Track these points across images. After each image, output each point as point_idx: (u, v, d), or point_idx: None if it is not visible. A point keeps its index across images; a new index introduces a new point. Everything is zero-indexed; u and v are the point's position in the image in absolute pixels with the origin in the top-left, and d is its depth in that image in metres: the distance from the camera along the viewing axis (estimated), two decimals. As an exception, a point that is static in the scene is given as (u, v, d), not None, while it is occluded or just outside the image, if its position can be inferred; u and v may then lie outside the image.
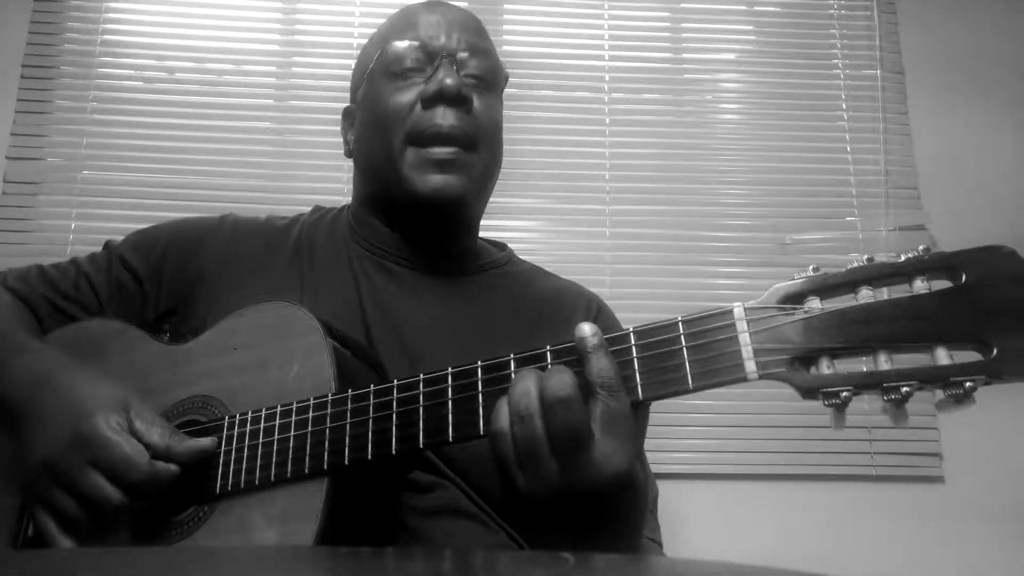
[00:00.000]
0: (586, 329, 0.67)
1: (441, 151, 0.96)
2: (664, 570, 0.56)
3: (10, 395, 0.86)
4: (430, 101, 0.97)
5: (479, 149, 1.00)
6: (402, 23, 1.04)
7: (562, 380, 0.65)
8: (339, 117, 1.14)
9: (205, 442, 0.80)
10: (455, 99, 0.97)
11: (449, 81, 0.96)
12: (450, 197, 0.98)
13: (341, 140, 1.13)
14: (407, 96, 0.99)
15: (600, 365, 0.66)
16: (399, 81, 1.00)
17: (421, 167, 0.97)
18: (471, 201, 1.02)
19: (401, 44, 1.01)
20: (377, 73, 1.03)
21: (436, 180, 0.96)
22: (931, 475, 1.95)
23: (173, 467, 0.78)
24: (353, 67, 1.12)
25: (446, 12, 1.05)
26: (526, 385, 0.66)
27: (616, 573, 0.49)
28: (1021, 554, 1.88)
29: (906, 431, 1.95)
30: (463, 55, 1.01)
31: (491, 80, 1.04)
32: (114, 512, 0.76)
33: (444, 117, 0.97)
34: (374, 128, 1.02)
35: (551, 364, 0.69)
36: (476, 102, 1.00)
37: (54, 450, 0.79)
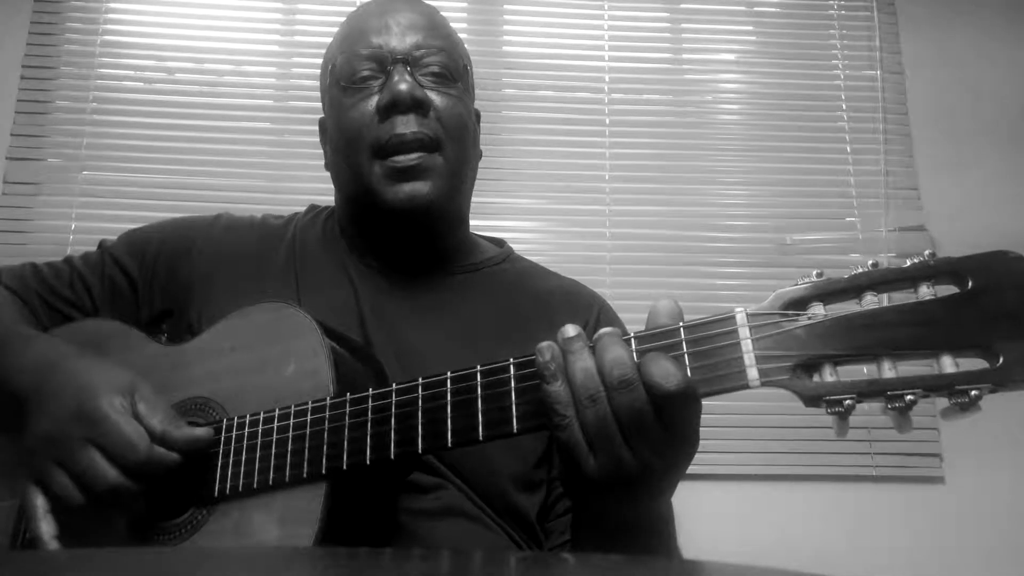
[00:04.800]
0: (570, 330, 0.67)
1: (405, 159, 0.94)
2: (664, 570, 0.56)
3: (18, 381, 0.86)
4: (385, 111, 0.95)
5: (444, 148, 0.97)
6: (352, 31, 1.02)
7: (619, 358, 0.63)
8: None
9: (201, 432, 0.79)
10: (410, 105, 0.94)
11: (402, 87, 0.94)
12: (421, 203, 0.95)
13: None
14: (364, 108, 0.96)
15: (616, 354, 0.64)
16: (355, 93, 0.97)
17: (388, 178, 0.95)
18: (445, 201, 0.99)
19: (352, 54, 0.98)
20: (333, 87, 1.01)
21: (405, 189, 0.94)
22: (931, 475, 1.96)
23: (173, 454, 0.77)
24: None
25: (395, 12, 1.01)
26: (587, 366, 0.64)
27: (616, 573, 0.49)
28: (1021, 554, 1.88)
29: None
30: (417, 54, 0.98)
31: (450, 74, 1.00)
32: (106, 493, 0.76)
33: (405, 125, 0.94)
34: (339, 144, 1.00)
35: (599, 339, 0.66)
36: (436, 100, 0.97)
37: (56, 426, 0.79)
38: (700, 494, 1.85)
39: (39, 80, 2.10)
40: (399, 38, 0.98)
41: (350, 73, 0.98)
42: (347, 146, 0.98)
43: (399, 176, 0.94)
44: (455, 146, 0.99)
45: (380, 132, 0.95)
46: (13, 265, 1.08)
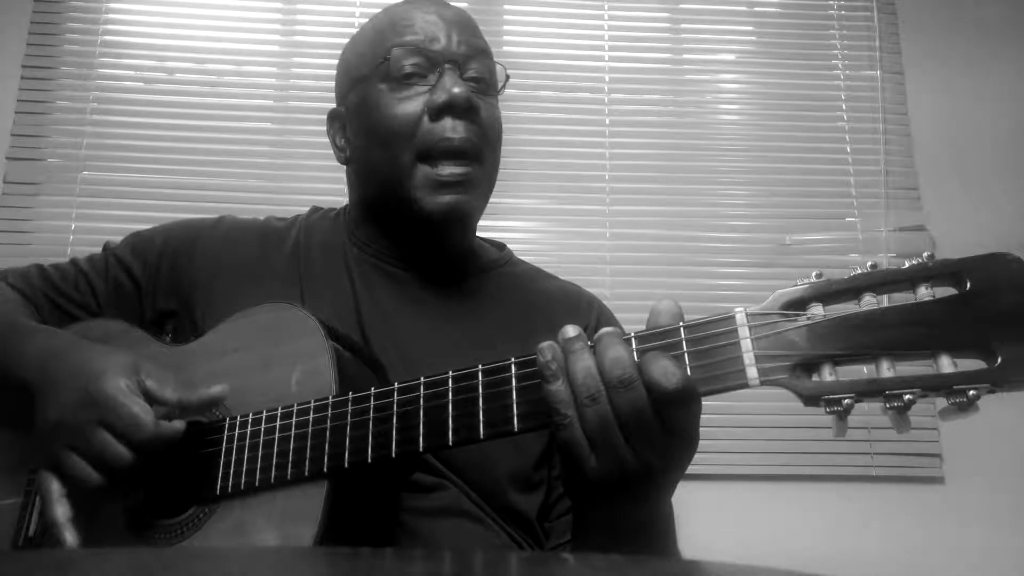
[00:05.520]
0: (570, 331, 0.67)
1: (452, 171, 0.93)
2: (664, 571, 0.56)
3: (25, 373, 0.86)
4: (438, 112, 0.93)
5: (484, 158, 0.97)
6: (398, 24, 0.99)
7: (620, 358, 0.64)
8: None
9: (217, 389, 0.81)
10: (464, 110, 0.94)
11: (457, 91, 0.92)
12: (461, 216, 0.96)
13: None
14: (411, 106, 0.95)
15: (616, 353, 0.64)
16: (400, 89, 0.96)
17: (431, 187, 0.94)
18: (478, 213, 1.01)
19: (400, 49, 0.96)
20: (374, 79, 0.98)
21: (447, 200, 0.94)
22: (931, 476, 1.96)
23: (178, 425, 0.78)
24: (338, 66, 1.08)
25: (441, 10, 1.00)
26: (587, 365, 0.65)
27: (616, 573, 0.49)
28: (1021, 554, 1.88)
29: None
30: (463, 58, 0.97)
31: (492, 82, 1.01)
32: (121, 471, 0.77)
33: (454, 130, 0.93)
34: (377, 140, 0.98)
35: (600, 339, 0.66)
36: (481, 107, 0.96)
37: (65, 411, 0.79)
38: (700, 494, 1.84)
39: (39, 80, 2.10)
40: (449, 38, 0.97)
41: (398, 67, 0.96)
42: (388, 142, 0.96)
43: (443, 187, 0.94)
44: (492, 156, 0.99)
45: (429, 133, 0.94)
46: (19, 267, 1.09)
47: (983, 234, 2.01)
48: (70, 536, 0.77)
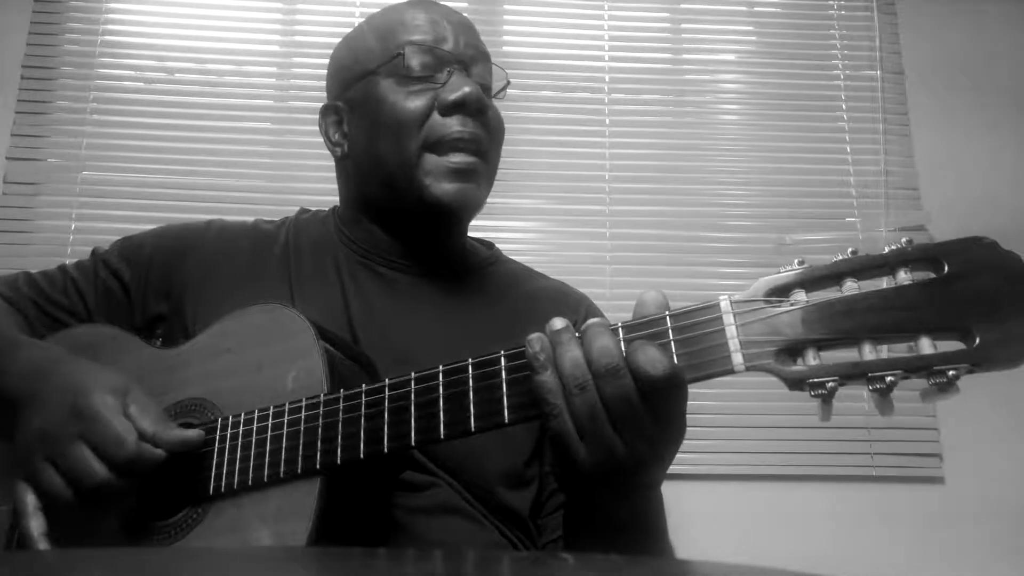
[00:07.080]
0: (557, 323, 0.68)
1: (461, 160, 0.96)
2: (664, 570, 0.56)
3: (13, 386, 0.86)
4: (451, 109, 0.96)
5: (488, 155, 1.00)
6: (407, 23, 1.01)
7: (606, 347, 0.65)
8: None
9: (191, 434, 0.80)
10: (475, 109, 0.97)
11: (469, 89, 0.96)
12: (467, 205, 0.98)
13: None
14: (419, 102, 0.97)
15: (603, 343, 0.65)
16: (409, 84, 0.98)
17: (439, 175, 0.96)
18: (480, 208, 1.02)
19: (412, 47, 0.99)
20: (382, 75, 1.00)
21: (454, 188, 0.96)
22: (931, 476, 1.95)
23: (159, 451, 0.78)
24: (334, 62, 1.09)
25: (445, 13, 1.03)
26: (575, 355, 0.66)
27: (616, 573, 0.49)
28: (1021, 554, 1.88)
29: (906, 432, 1.95)
30: (471, 60, 1.00)
31: (490, 86, 1.04)
32: (94, 489, 0.76)
33: (464, 125, 0.96)
34: (384, 132, 0.99)
35: (587, 329, 0.67)
36: (488, 108, 1.00)
37: (48, 422, 0.79)
38: (699, 494, 1.84)
39: (39, 80, 2.10)
40: (456, 40, 1.00)
41: (407, 65, 0.99)
42: (395, 135, 0.98)
43: (451, 175, 0.96)
44: (494, 155, 1.02)
45: (438, 127, 0.97)
46: (7, 274, 1.09)
47: (984, 233, 2.00)
48: (44, 549, 0.77)
